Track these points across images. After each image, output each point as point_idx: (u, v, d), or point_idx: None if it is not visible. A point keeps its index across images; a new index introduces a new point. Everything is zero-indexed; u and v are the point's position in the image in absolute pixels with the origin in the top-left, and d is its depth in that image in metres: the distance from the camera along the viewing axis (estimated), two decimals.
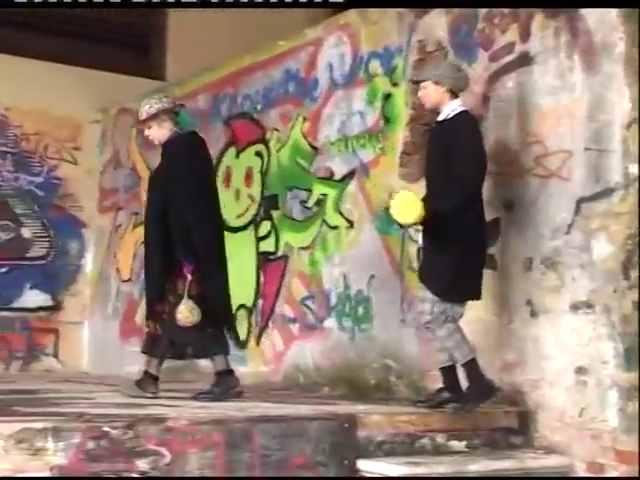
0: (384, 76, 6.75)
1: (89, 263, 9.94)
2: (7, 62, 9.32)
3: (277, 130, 7.76)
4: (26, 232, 9.61)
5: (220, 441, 4.33)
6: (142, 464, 4.10)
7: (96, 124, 9.97)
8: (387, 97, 6.70)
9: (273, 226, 7.71)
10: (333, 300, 7.01)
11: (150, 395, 5.76)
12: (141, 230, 9.13)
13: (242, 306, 7.84)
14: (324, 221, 7.20)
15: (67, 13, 8.97)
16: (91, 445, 4.00)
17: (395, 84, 6.66)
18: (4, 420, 4.15)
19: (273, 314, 7.57)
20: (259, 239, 7.84)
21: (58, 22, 9.46)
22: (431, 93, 5.38)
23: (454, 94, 5.36)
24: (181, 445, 4.22)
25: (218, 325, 5.89)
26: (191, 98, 8.76)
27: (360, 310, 6.74)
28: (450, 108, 5.33)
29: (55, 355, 9.70)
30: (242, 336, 7.82)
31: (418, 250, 5.87)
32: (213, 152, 8.40)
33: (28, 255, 9.59)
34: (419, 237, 5.46)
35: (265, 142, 7.90)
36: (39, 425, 3.97)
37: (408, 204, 5.07)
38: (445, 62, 5.92)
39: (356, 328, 6.75)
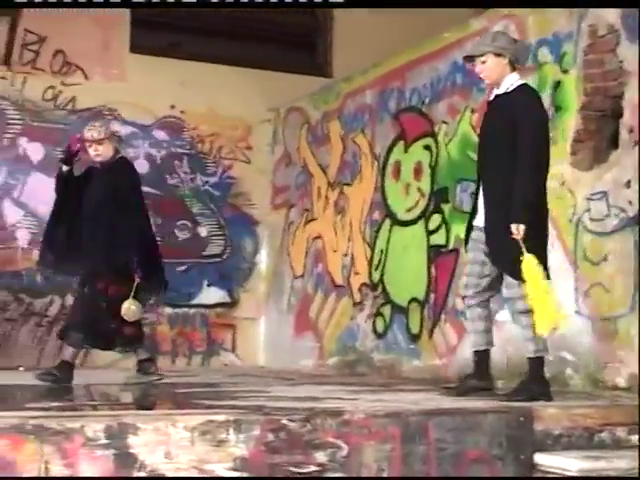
0: (554, 63, 6.61)
1: (263, 260, 10.15)
2: (181, 67, 9.64)
3: (445, 123, 7.71)
4: (203, 231, 9.90)
5: (396, 434, 4.33)
6: (320, 456, 4.13)
7: (267, 123, 10.18)
8: (557, 84, 6.56)
9: (443, 219, 7.67)
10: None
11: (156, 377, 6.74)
12: (313, 226, 9.38)
13: (414, 300, 7.85)
14: None
15: (235, 16, 9.19)
16: (270, 437, 4.06)
17: (565, 71, 6.51)
18: (189, 412, 4.29)
19: (445, 307, 7.54)
20: (430, 232, 7.83)
21: (227, 25, 9.70)
22: (492, 67, 5.16)
23: (513, 67, 5.17)
24: (358, 438, 4.24)
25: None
26: (358, 94, 8.85)
27: None
28: (509, 81, 5.15)
29: (233, 350, 9.95)
30: (414, 330, 7.84)
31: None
32: (381, 147, 8.51)
33: (205, 253, 9.88)
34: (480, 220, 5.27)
35: (434, 135, 7.87)
36: (221, 417, 4.06)
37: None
38: (499, 33, 5.58)
39: None
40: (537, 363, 5.11)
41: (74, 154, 6.79)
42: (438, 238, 7.71)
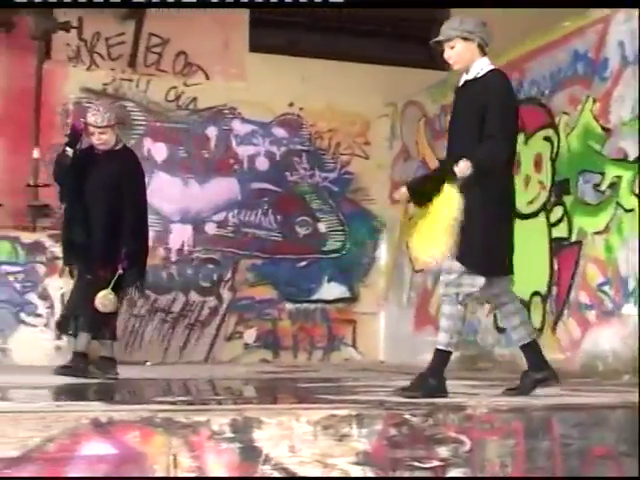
0: None
1: (383, 255, 10.17)
2: (298, 64, 9.75)
3: (566, 114, 7.59)
4: (322, 227, 9.98)
5: (519, 429, 4.31)
6: (442, 451, 4.14)
7: (385, 118, 10.19)
8: None
9: (565, 211, 7.55)
10: (631, 285, 6.79)
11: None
12: None
13: (536, 293, 7.76)
14: (618, 204, 6.97)
15: (351, 12, 9.23)
16: (393, 432, 4.09)
17: None
18: (311, 407, 4.36)
19: (568, 301, 7.43)
20: (551, 225, 7.72)
21: (343, 22, 9.75)
22: (461, 51, 4.98)
23: (482, 51, 4.99)
24: (480, 433, 4.24)
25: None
26: None
27: None
28: (479, 66, 4.98)
29: (353, 345, 10.00)
30: (537, 324, 7.74)
31: None
32: None
33: (325, 249, 9.96)
34: None
35: (554, 126, 7.76)
36: (343, 412, 4.10)
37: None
38: (467, 17, 5.20)
39: None
40: (445, 357, 5.06)
41: (79, 136, 6.60)
42: (560, 231, 7.60)
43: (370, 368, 8.51)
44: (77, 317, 6.65)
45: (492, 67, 5.04)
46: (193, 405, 4.70)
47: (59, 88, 8.93)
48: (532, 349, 5.18)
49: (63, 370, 6.49)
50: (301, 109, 9.91)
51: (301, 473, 3.97)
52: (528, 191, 8.00)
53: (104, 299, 6.39)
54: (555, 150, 7.74)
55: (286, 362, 9.53)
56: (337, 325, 9.95)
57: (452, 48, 5.00)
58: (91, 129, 6.52)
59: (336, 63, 9.79)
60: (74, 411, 4.04)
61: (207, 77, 9.60)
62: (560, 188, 7.63)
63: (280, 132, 9.86)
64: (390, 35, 10.10)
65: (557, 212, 7.66)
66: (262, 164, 9.75)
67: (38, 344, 8.26)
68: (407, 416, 4.15)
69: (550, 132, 7.82)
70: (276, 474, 3.94)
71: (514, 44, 8.26)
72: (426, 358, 9.00)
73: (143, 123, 9.46)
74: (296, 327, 9.80)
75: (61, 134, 8.65)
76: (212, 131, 9.67)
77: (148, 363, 8.89)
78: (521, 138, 8.13)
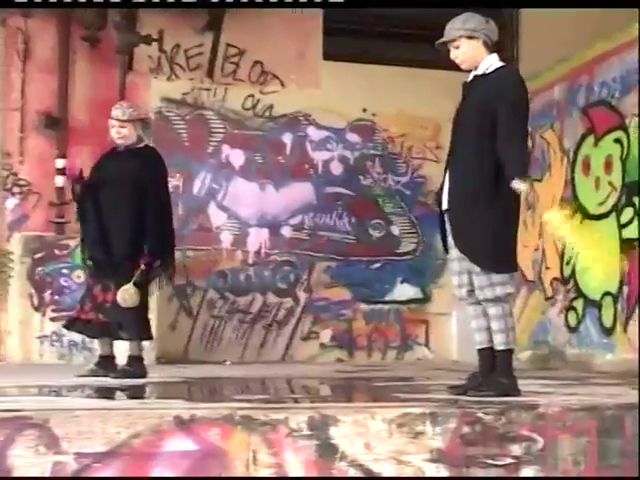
0: None
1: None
2: (371, 71, 9.82)
3: (637, 116, 7.60)
4: (395, 229, 10.05)
5: (592, 427, 4.30)
6: (515, 449, 4.16)
7: None
8: None
9: (636, 212, 7.58)
10: None
11: (113, 376, 6.39)
12: None
13: (607, 293, 7.81)
14: None
15: (421, 19, 9.26)
16: (466, 430, 4.12)
17: None
18: (386, 405, 4.44)
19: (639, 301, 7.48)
20: (621, 226, 7.76)
21: (414, 28, 9.76)
22: (467, 50, 4.88)
23: (488, 48, 4.89)
24: (553, 431, 4.23)
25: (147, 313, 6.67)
26: (546, 90, 8.84)
27: None
28: (488, 63, 4.86)
29: (426, 344, 10.07)
30: (608, 323, 7.80)
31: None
32: (570, 142, 8.48)
33: (398, 251, 10.04)
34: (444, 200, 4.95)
35: (624, 128, 7.79)
36: (418, 410, 4.15)
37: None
38: (469, 14, 5.05)
39: None
40: (507, 356, 4.88)
41: (80, 177, 6.68)
42: (630, 232, 7.62)
43: (442, 367, 8.55)
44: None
45: (502, 64, 4.95)
46: (271, 403, 4.74)
47: (141, 98, 9.16)
48: (485, 356, 5.04)
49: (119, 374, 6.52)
50: (374, 115, 9.98)
51: (376, 470, 4.00)
52: (599, 192, 8.06)
53: (124, 293, 6.38)
54: (625, 152, 7.77)
55: (361, 361, 9.66)
56: (410, 325, 10.03)
57: (457, 48, 4.94)
58: (112, 122, 6.65)
59: (407, 69, 9.86)
60: (158, 408, 4.17)
61: (282, 85, 9.78)
62: (631, 189, 7.66)
63: (354, 137, 9.96)
64: None
65: (627, 213, 7.69)
66: (336, 169, 9.88)
67: None
68: (480, 414, 4.16)
69: (620, 134, 7.85)
70: (352, 471, 3.98)
71: (584, 47, 8.32)
72: None
73: (221, 131, 9.66)
74: (370, 327, 9.90)
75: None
76: (288, 137, 9.82)
77: (227, 362, 9.08)
78: (591, 140, 8.24)
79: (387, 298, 10.00)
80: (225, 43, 9.59)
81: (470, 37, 4.89)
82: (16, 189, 9.11)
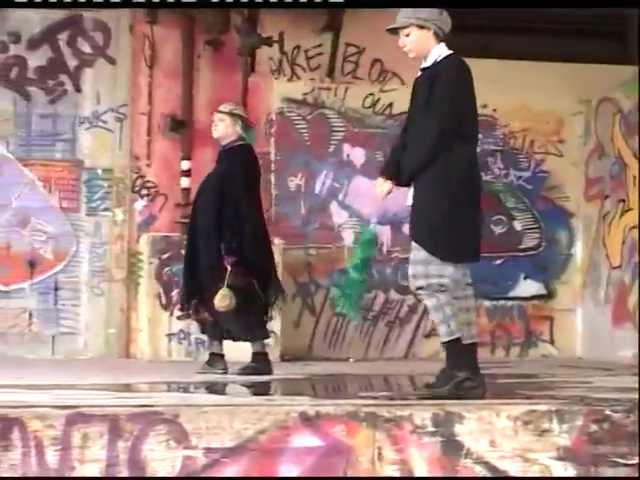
0: None
1: (578, 251, 10.08)
2: (492, 66, 9.69)
3: None
4: (517, 225, 9.97)
5: None
6: None
7: (579, 115, 10.10)
8: None
9: None
10: None
11: (220, 372, 6.54)
12: (629, 217, 9.23)
13: None
14: None
15: (540, 12, 9.20)
16: (593, 428, 4.12)
17: None
18: (511, 402, 4.43)
19: None
20: None
21: (533, 22, 9.69)
22: (416, 40, 4.81)
23: (439, 38, 4.79)
24: None
25: (258, 312, 6.69)
26: None
27: None
28: (437, 53, 4.79)
29: (551, 341, 9.97)
30: None
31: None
32: None
33: (520, 247, 9.96)
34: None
35: None
36: (543, 407, 4.18)
37: None
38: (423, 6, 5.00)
39: None
40: (455, 346, 4.75)
41: None
42: None
43: (567, 364, 8.48)
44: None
45: (449, 52, 4.92)
46: (395, 400, 4.78)
47: (263, 99, 9.35)
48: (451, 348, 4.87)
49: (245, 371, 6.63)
50: (494, 110, 9.90)
51: (501, 467, 4.04)
52: None
53: (221, 298, 6.46)
54: None
55: (484, 358, 9.61)
56: (534, 322, 9.94)
57: (407, 36, 4.90)
58: (214, 115, 6.90)
59: (528, 63, 9.74)
60: (284, 405, 4.26)
61: (402, 83, 9.78)
62: None
63: None
64: (581, 33, 9.99)
65: None
66: None
67: None
68: (608, 412, 4.16)
69: None
70: (477, 468, 4.04)
71: None
72: (625, 354, 9.01)
73: (342, 130, 9.75)
74: (493, 324, 9.85)
75: (266, 143, 9.17)
76: None
77: (351, 359, 9.20)
78: None
79: (510, 294, 9.94)
80: (344, 42, 9.67)
81: (421, 26, 4.86)
82: (144, 191, 9.39)
